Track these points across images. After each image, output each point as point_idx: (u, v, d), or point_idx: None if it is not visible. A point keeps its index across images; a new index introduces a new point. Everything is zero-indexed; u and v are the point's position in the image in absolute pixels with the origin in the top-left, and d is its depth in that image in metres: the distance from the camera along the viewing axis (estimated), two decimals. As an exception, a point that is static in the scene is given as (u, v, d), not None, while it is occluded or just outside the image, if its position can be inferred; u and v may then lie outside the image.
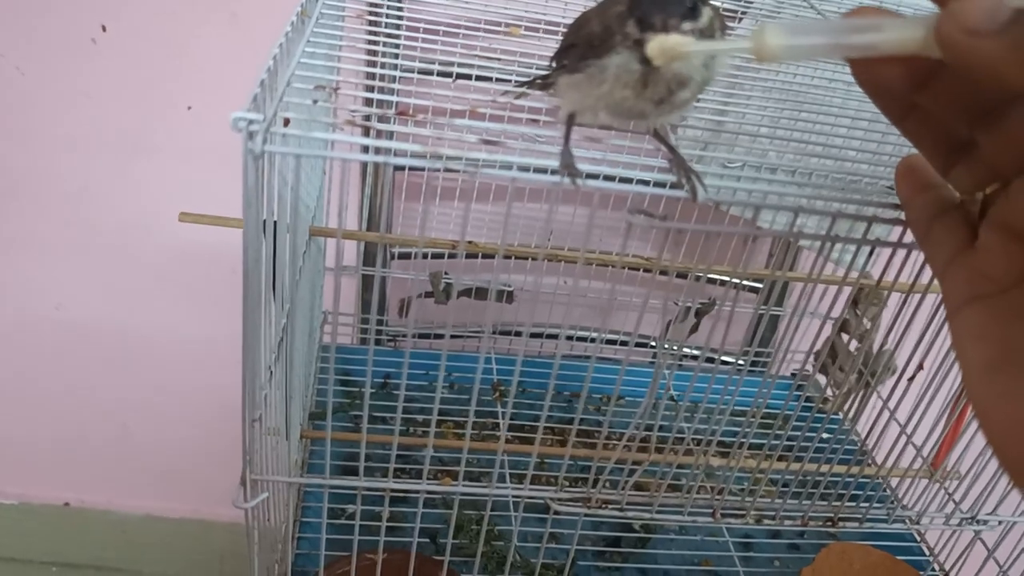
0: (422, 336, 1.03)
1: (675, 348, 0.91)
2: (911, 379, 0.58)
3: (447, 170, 0.93)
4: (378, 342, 1.02)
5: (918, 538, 0.83)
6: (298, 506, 0.75)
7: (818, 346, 0.69)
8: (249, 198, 0.38)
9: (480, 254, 0.88)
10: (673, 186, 0.40)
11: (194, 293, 1.09)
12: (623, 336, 1.05)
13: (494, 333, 1.00)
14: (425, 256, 0.96)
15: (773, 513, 0.63)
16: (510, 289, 0.97)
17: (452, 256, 0.97)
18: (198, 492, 1.24)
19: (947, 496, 0.70)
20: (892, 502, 0.68)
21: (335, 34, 0.55)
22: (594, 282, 1.02)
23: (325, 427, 0.54)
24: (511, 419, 0.91)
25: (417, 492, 0.57)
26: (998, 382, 0.26)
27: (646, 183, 0.39)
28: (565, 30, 0.43)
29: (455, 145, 0.38)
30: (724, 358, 1.00)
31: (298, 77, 0.43)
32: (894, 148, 0.53)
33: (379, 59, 0.61)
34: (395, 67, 0.66)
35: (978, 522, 0.66)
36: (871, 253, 0.75)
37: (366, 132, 0.39)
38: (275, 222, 0.46)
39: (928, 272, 0.53)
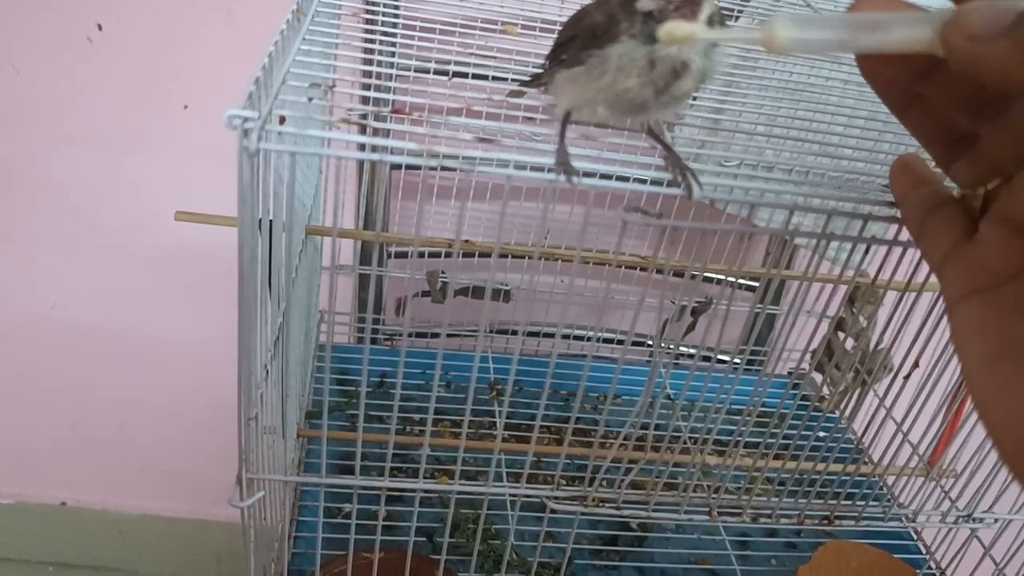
0: (418, 335, 1.03)
1: (671, 347, 0.91)
2: (907, 377, 0.58)
3: (443, 169, 0.93)
4: (374, 341, 1.01)
5: (915, 536, 0.83)
6: (294, 505, 0.75)
7: (814, 345, 0.69)
8: (244, 196, 0.38)
9: (476, 253, 0.88)
10: (669, 184, 0.40)
11: (191, 293, 1.09)
12: (619, 335, 1.05)
13: (490, 332, 1.00)
14: (421, 255, 0.96)
15: (769, 511, 0.63)
16: (506, 288, 0.97)
17: (448, 255, 0.96)
18: (195, 492, 1.24)
19: (943, 494, 0.70)
20: (888, 500, 0.68)
21: (331, 32, 0.54)
22: (590, 281, 1.02)
23: (321, 426, 0.54)
24: (507, 418, 0.91)
25: (414, 491, 0.57)
26: (997, 375, 0.26)
27: (643, 181, 0.39)
28: (561, 27, 0.43)
29: (451, 143, 0.38)
30: (720, 357, 1.00)
31: (294, 75, 0.43)
32: (890, 146, 0.53)
33: (375, 56, 0.61)
34: (391, 65, 0.66)
35: (974, 520, 0.66)
36: (867, 251, 0.75)
37: (362, 130, 0.39)
38: (271, 221, 0.46)
39: (924, 270, 0.53)
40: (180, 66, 0.95)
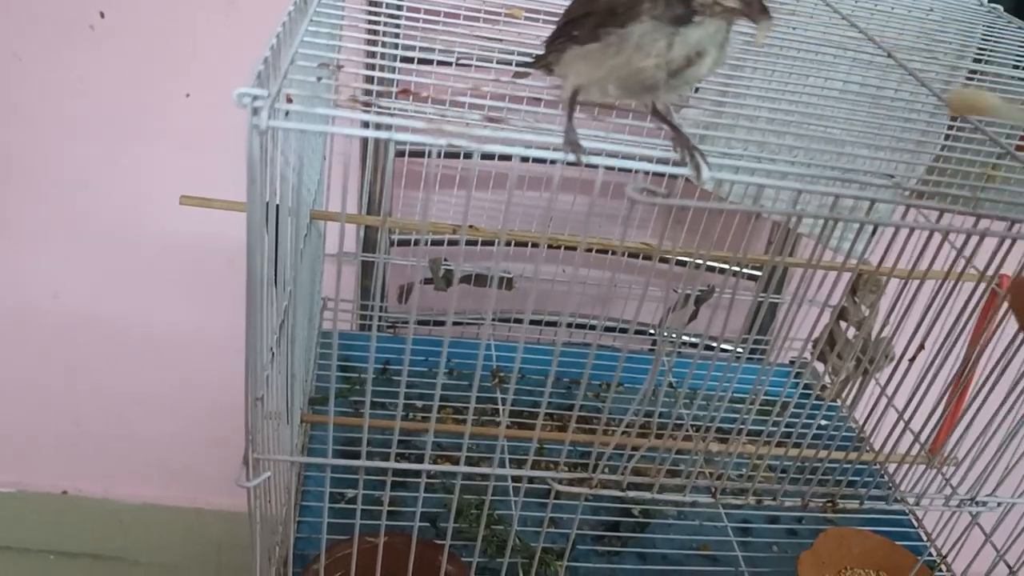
0: (422, 323, 1.03)
1: (674, 335, 0.91)
2: (912, 360, 0.58)
3: (448, 155, 0.93)
4: (378, 328, 1.02)
5: (915, 523, 0.83)
6: (299, 490, 0.75)
7: (816, 333, 0.69)
8: (253, 174, 0.38)
9: (480, 241, 0.88)
10: (676, 164, 0.40)
11: (192, 283, 1.09)
12: (623, 324, 1.05)
13: (494, 320, 1.00)
14: (425, 243, 0.96)
15: (773, 494, 0.63)
16: (510, 276, 0.97)
17: (452, 243, 0.97)
18: (196, 481, 1.24)
19: (945, 481, 0.70)
20: (890, 488, 0.68)
21: (337, 14, 0.55)
22: (594, 270, 1.02)
23: (325, 412, 0.54)
24: (511, 405, 0.91)
25: (419, 473, 0.57)
26: None
27: (649, 160, 0.39)
28: (569, 5, 0.43)
29: (458, 123, 0.38)
30: (723, 345, 1.00)
31: (301, 55, 0.43)
32: (894, 132, 0.53)
33: (380, 38, 0.61)
34: (395, 47, 0.66)
35: (976, 503, 0.66)
36: (872, 236, 0.75)
37: (368, 109, 0.39)
38: (277, 205, 0.46)
39: (927, 258, 0.53)
40: (182, 54, 0.95)
